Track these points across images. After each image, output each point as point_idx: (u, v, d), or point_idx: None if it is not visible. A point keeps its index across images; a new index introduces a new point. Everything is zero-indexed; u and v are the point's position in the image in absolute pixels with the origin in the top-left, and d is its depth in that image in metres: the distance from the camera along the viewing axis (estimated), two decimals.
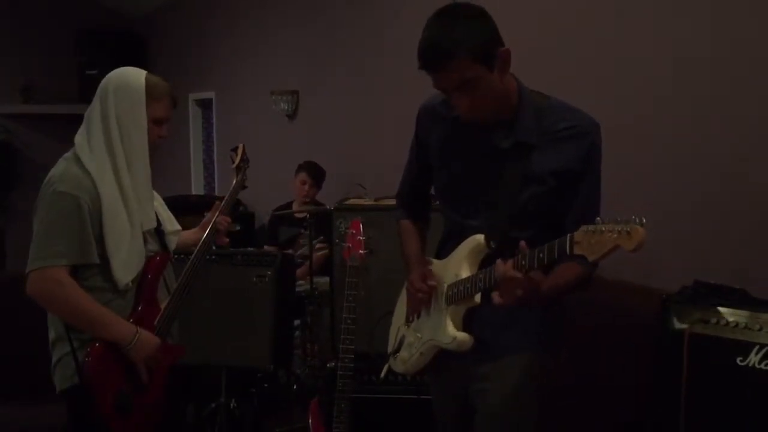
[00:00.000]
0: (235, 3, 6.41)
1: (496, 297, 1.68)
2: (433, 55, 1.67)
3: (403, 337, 2.13)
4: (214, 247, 2.73)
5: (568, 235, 1.52)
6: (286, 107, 5.56)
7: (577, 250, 1.49)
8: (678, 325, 2.27)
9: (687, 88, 2.75)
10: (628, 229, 1.40)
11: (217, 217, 2.54)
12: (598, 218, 1.47)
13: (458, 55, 1.64)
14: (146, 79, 2.24)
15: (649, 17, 2.87)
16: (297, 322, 4.24)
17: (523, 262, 1.62)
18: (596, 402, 2.67)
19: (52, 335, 2.23)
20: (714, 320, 2.21)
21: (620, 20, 3.00)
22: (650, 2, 2.86)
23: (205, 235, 2.51)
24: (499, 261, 1.68)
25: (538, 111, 1.80)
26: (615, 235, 1.41)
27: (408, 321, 2.12)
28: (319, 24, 5.24)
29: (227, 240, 2.65)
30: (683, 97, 2.77)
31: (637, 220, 1.40)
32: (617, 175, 2.81)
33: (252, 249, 3.82)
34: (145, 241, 2.29)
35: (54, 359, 2.22)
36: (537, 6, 3.34)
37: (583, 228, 1.48)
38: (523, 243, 1.64)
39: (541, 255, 1.59)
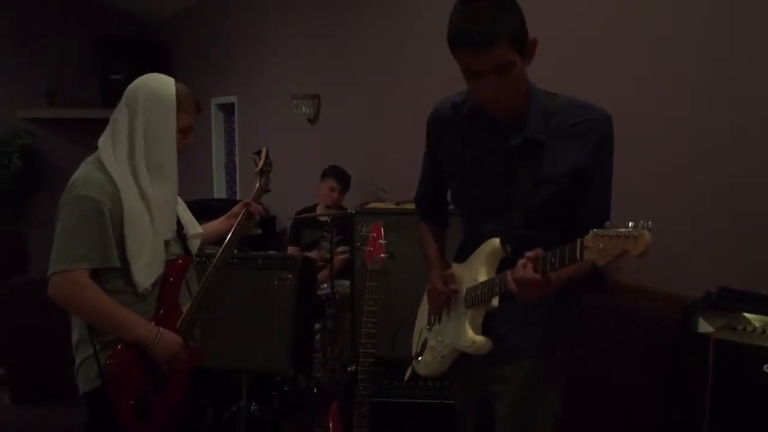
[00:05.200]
0: (256, 7, 6.44)
1: (512, 287, 1.69)
2: (478, 34, 1.64)
3: (426, 340, 2.13)
4: (235, 250, 2.74)
5: (579, 240, 1.52)
6: (308, 111, 5.57)
7: (587, 255, 1.50)
8: (703, 331, 2.24)
9: (706, 89, 2.72)
10: (635, 234, 1.41)
11: (251, 204, 2.55)
12: (608, 222, 1.48)
13: (502, 37, 1.63)
14: (176, 88, 2.26)
15: (669, 18, 2.84)
16: (317, 325, 4.24)
17: (552, 260, 1.62)
18: (616, 406, 2.64)
19: (75, 338, 2.25)
20: (740, 327, 2.17)
21: (640, 20, 2.97)
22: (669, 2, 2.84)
23: (227, 239, 2.52)
24: (519, 263, 1.67)
25: (547, 109, 1.79)
26: (622, 241, 1.42)
27: (430, 324, 2.12)
28: (341, 28, 5.25)
29: (259, 231, 2.66)
30: (704, 98, 2.73)
31: (645, 225, 1.41)
32: (636, 178, 2.79)
33: (273, 252, 3.83)
34: (167, 244, 2.30)
35: (77, 362, 2.24)
36: (551, 4, 3.32)
37: (593, 232, 1.49)
38: (539, 250, 1.64)
39: (553, 260, 1.60)
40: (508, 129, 1.80)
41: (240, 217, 2.55)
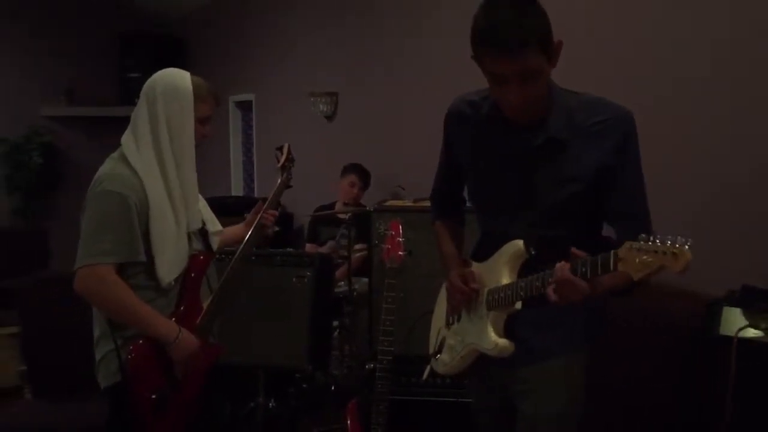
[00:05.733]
0: (274, 5, 6.45)
1: (551, 295, 1.64)
2: (507, 39, 1.59)
3: (444, 338, 2.12)
4: (254, 249, 2.75)
5: (612, 251, 1.49)
6: (325, 109, 5.58)
7: (620, 267, 1.46)
8: (726, 330, 2.22)
9: (724, 88, 2.69)
10: (675, 251, 1.37)
11: (263, 213, 2.56)
12: (643, 235, 1.43)
13: (531, 43, 1.60)
14: (191, 80, 2.27)
15: (688, 18, 2.81)
16: (335, 323, 4.24)
17: (583, 269, 1.58)
18: (637, 405, 2.62)
19: (96, 333, 2.27)
20: (764, 326, 2.15)
21: (659, 19, 2.94)
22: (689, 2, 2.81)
23: (248, 235, 2.53)
24: (560, 265, 1.62)
25: (569, 109, 1.76)
26: (660, 256, 1.39)
27: (448, 323, 2.11)
28: (358, 26, 5.25)
29: (276, 231, 2.67)
30: (723, 98, 2.71)
31: (684, 242, 1.37)
32: (658, 178, 2.77)
33: (291, 250, 3.84)
34: (190, 240, 2.31)
35: (98, 357, 2.26)
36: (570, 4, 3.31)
37: (627, 244, 1.45)
38: (578, 251, 1.60)
39: (584, 269, 1.56)
40: (530, 129, 1.77)
41: (249, 234, 2.54)
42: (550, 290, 1.65)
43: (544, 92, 1.73)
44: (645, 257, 1.41)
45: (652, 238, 1.42)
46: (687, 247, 1.36)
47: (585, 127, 1.75)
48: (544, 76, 1.68)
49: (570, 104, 1.77)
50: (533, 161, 1.79)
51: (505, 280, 1.84)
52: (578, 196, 1.77)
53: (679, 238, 1.38)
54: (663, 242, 1.39)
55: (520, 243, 1.82)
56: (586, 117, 1.75)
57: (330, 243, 4.70)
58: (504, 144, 1.84)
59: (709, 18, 2.76)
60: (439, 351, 2.13)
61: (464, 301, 1.98)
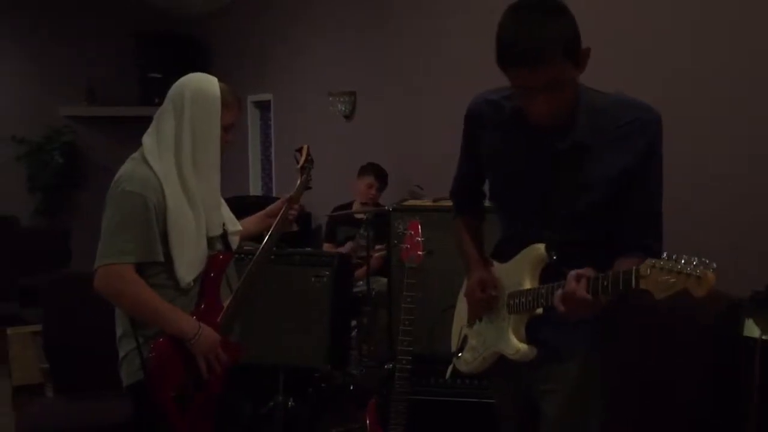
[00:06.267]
0: (292, 5, 6.47)
1: (559, 306, 1.64)
2: (528, 52, 1.56)
3: (466, 337, 2.12)
4: (274, 248, 2.75)
5: (633, 269, 1.47)
6: (344, 108, 5.58)
7: (642, 285, 1.45)
8: (751, 331, 2.19)
9: (753, 88, 2.66)
10: (698, 274, 1.35)
11: (286, 207, 2.56)
12: (666, 253, 1.42)
13: (554, 54, 1.56)
14: (219, 87, 2.28)
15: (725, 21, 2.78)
16: (353, 322, 4.24)
17: (604, 284, 1.57)
18: (659, 406, 2.60)
19: (119, 332, 2.29)
20: None
21: (696, 20, 2.92)
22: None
23: (272, 228, 2.53)
24: (570, 277, 1.63)
25: (595, 111, 1.73)
26: (683, 278, 1.37)
27: (470, 322, 2.10)
28: (376, 25, 5.25)
29: (296, 228, 2.67)
30: (750, 99, 2.67)
31: (708, 264, 1.35)
32: (683, 177, 2.74)
33: (310, 249, 3.84)
34: (210, 242, 2.32)
35: (121, 355, 2.28)
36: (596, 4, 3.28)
37: (650, 262, 1.43)
38: (591, 269, 1.60)
39: (605, 283, 1.55)
40: (554, 133, 1.74)
41: (280, 215, 2.54)
42: (557, 301, 1.64)
43: (572, 96, 1.70)
44: (668, 278, 1.39)
45: (675, 258, 1.40)
46: (711, 271, 1.35)
47: (611, 131, 1.72)
48: (571, 83, 1.66)
49: (596, 106, 1.73)
50: (557, 165, 1.77)
51: (527, 284, 1.83)
52: (600, 201, 1.75)
53: (703, 260, 1.36)
54: (687, 263, 1.37)
55: (541, 248, 1.80)
56: (613, 120, 1.72)
57: (349, 244, 4.70)
58: (527, 147, 1.81)
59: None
60: (461, 349, 2.12)
61: (484, 310, 1.98)
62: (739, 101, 2.72)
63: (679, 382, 2.57)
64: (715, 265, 1.35)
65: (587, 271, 1.61)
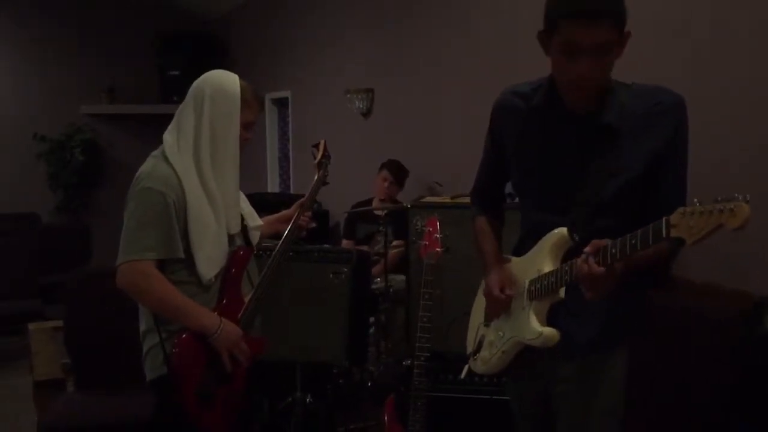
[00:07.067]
0: (311, 2, 6.48)
1: (587, 293, 1.65)
2: (590, 4, 1.60)
3: (483, 336, 2.10)
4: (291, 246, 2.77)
5: (664, 218, 1.45)
6: (361, 105, 5.58)
7: (674, 233, 1.42)
8: None
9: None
10: (732, 207, 1.33)
11: (299, 215, 2.58)
12: (696, 199, 1.41)
13: (612, 15, 1.61)
14: (239, 84, 2.29)
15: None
16: (371, 319, 4.25)
17: (614, 251, 1.57)
18: (679, 404, 2.58)
19: (143, 327, 2.31)
20: None
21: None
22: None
23: (287, 231, 2.54)
24: (580, 260, 1.63)
25: (622, 99, 1.75)
26: (716, 216, 1.35)
27: (487, 321, 2.09)
28: (394, 22, 5.24)
29: (314, 225, 2.69)
30: None
31: (740, 197, 1.33)
32: (706, 175, 2.71)
33: (328, 246, 3.85)
34: (231, 238, 2.34)
35: (144, 350, 2.30)
36: None
37: (680, 210, 1.42)
38: (596, 242, 1.61)
39: (633, 241, 1.53)
40: (583, 119, 1.77)
41: (288, 230, 2.56)
42: (584, 289, 1.64)
43: (608, 75, 1.72)
44: (698, 220, 1.37)
45: (703, 202, 1.38)
46: (745, 203, 1.32)
47: (637, 117, 1.73)
48: (611, 59, 1.67)
49: (623, 95, 1.76)
50: (585, 151, 1.78)
51: (548, 267, 1.80)
52: (629, 187, 1.75)
53: (735, 195, 1.34)
54: (718, 203, 1.35)
55: (564, 230, 1.79)
56: (639, 106, 1.74)
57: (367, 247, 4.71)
58: (555, 134, 1.82)
59: None
60: (478, 350, 2.10)
61: (501, 310, 1.97)
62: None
63: (702, 380, 2.55)
64: (749, 197, 1.32)
65: (592, 246, 1.61)
